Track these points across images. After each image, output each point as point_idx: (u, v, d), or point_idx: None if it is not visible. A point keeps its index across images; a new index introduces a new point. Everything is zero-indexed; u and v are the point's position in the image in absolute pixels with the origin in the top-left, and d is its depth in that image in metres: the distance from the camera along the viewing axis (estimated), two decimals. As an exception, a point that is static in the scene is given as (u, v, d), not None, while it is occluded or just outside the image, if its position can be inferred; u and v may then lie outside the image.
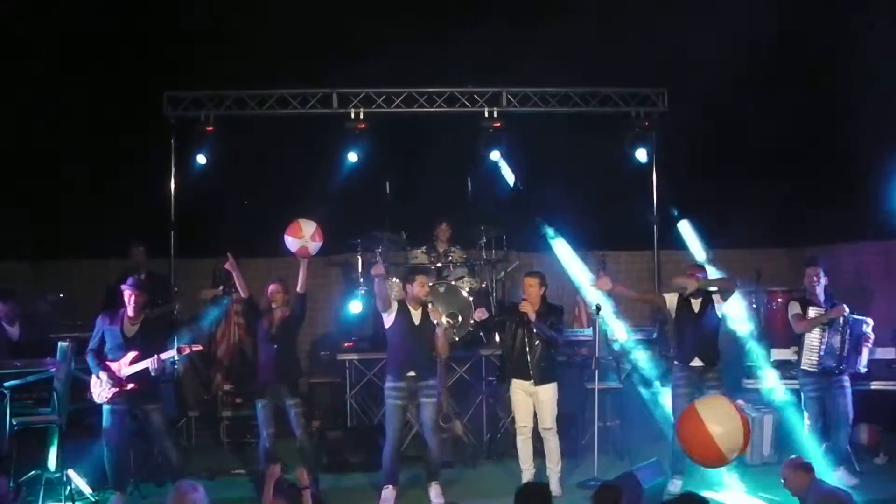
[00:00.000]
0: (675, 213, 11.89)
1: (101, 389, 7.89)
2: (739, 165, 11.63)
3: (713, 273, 9.21)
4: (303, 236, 8.30)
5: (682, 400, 8.33)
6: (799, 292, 9.06)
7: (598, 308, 9.12)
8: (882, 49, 9.92)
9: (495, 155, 11.55)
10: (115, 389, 7.84)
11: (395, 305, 8.36)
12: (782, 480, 6.73)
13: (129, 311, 7.98)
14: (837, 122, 10.70)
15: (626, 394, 9.90)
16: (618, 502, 5.57)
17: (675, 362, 8.55)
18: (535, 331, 8.40)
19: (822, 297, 8.67)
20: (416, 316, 8.31)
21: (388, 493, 8.16)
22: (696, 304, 8.48)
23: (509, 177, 11.78)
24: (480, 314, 8.78)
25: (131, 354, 7.85)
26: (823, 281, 8.68)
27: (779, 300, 10.65)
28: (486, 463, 9.57)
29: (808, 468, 6.69)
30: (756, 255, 11.95)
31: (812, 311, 8.61)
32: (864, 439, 9.27)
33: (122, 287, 8.08)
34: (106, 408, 7.91)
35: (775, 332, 10.77)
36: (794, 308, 8.73)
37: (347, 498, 8.55)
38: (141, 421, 8.13)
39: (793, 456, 7.18)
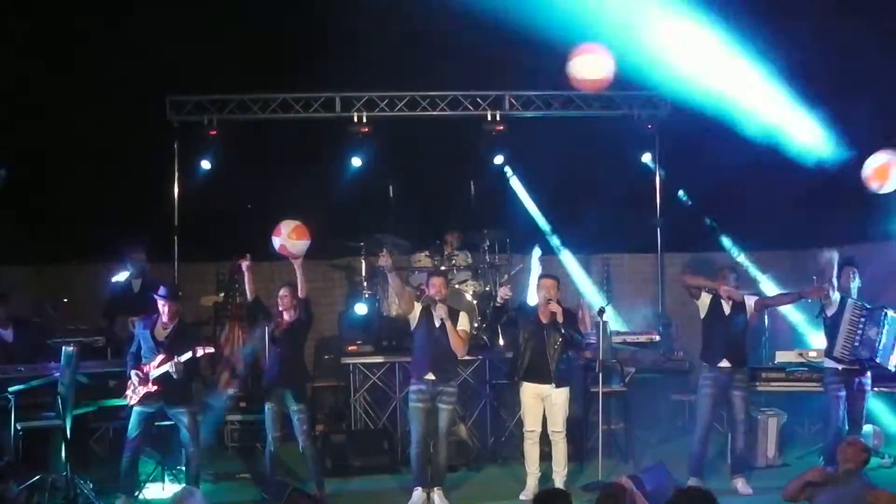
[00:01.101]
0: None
1: (132, 391, 8.10)
2: (740, 167, 11.62)
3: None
4: (281, 234, 8.27)
5: (708, 400, 8.39)
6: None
7: (602, 311, 9.11)
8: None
9: (499, 159, 11.56)
10: (142, 389, 8.04)
11: (418, 306, 8.35)
12: (842, 454, 6.60)
13: (164, 318, 8.20)
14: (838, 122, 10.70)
15: (631, 397, 9.88)
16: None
17: (703, 363, 8.53)
18: (563, 332, 8.32)
19: (855, 296, 8.66)
20: (438, 318, 8.26)
21: (418, 494, 8.17)
22: (726, 306, 8.46)
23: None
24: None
25: (160, 357, 8.03)
26: (858, 281, 8.67)
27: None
28: (491, 466, 9.54)
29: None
30: (759, 257, 11.94)
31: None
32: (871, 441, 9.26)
33: (156, 296, 8.23)
34: (136, 409, 8.07)
35: (779, 334, 10.78)
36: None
37: (352, 502, 8.54)
38: (175, 426, 8.24)
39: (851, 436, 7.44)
